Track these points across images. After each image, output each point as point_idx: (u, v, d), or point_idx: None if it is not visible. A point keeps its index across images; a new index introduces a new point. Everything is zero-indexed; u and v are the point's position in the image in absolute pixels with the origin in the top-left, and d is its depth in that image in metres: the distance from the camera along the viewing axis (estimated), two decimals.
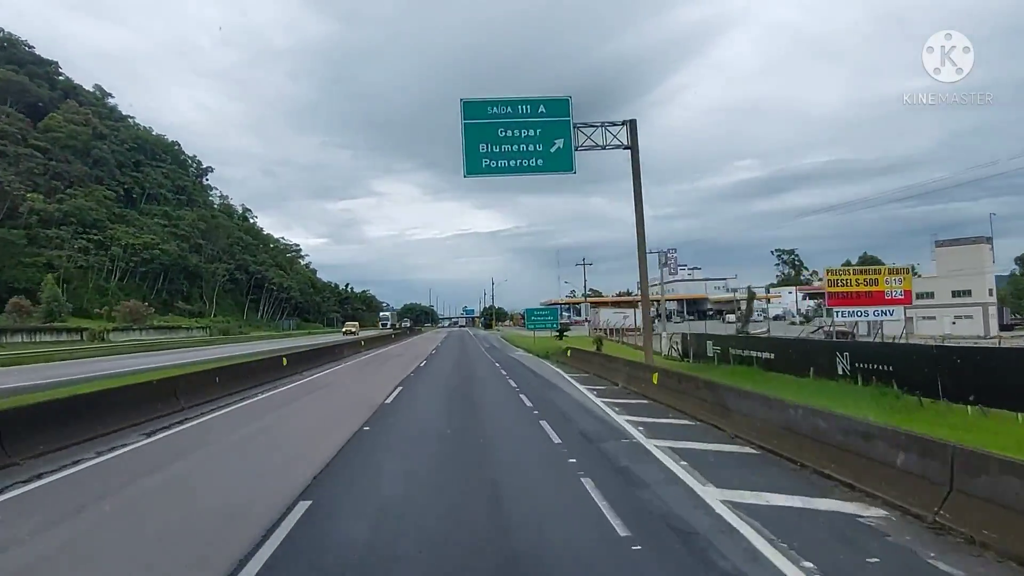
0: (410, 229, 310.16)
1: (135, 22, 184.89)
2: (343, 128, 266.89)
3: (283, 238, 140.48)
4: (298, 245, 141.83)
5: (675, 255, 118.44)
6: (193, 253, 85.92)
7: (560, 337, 42.67)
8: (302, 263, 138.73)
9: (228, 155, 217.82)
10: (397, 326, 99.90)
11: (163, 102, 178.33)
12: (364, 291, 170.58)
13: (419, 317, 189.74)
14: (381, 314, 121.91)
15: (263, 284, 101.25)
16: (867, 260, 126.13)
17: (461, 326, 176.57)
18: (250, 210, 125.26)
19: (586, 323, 74.41)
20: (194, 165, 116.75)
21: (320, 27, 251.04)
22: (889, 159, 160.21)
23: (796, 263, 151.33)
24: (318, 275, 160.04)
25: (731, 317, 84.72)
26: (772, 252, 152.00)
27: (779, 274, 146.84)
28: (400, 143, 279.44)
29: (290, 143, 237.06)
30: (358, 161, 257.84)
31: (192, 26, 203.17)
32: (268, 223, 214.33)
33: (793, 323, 75.18)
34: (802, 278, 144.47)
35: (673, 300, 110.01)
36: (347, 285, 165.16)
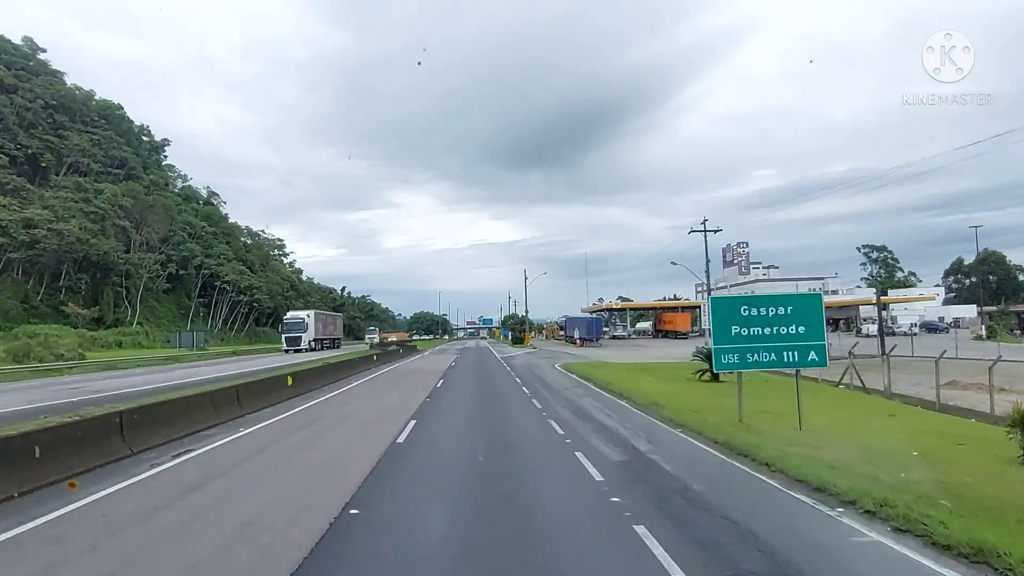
0: (426, 239, 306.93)
1: (154, 35, 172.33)
2: (360, 139, 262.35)
3: (264, 231, 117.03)
4: (282, 240, 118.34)
5: (745, 250, 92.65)
6: (111, 239, 61.71)
7: (709, 372, 17.68)
8: (285, 261, 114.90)
9: (244, 166, 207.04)
10: (385, 341, 73.05)
11: (181, 113, 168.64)
12: (364, 297, 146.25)
13: (430, 327, 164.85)
14: (369, 329, 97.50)
15: (227, 284, 76.86)
16: (988, 258, 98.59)
17: (482, 337, 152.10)
18: (216, 194, 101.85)
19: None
20: (146, 137, 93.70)
21: (337, 38, 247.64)
22: (912, 168, 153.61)
23: (889, 262, 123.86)
24: (319, 282, 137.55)
25: (870, 328, 58.33)
26: (859, 249, 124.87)
27: (866, 276, 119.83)
28: (416, 154, 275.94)
29: (307, 154, 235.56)
30: (375, 171, 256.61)
31: (210, 38, 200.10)
32: (285, 233, 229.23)
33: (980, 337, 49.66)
34: (896, 279, 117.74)
35: None
36: (343, 289, 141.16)
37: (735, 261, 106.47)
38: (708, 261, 43.56)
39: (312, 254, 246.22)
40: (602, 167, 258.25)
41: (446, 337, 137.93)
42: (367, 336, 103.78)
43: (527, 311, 58.86)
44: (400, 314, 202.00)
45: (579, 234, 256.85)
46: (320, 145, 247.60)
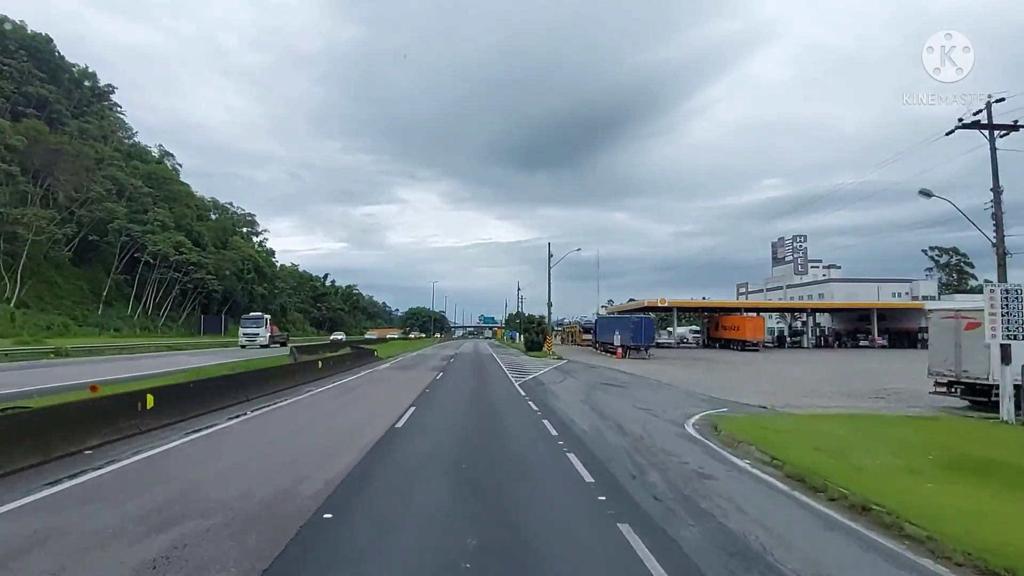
0: (430, 236, 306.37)
1: (166, 23, 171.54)
2: (367, 133, 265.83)
3: (232, 204, 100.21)
4: (253, 215, 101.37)
5: (803, 245, 77.03)
6: None
7: None
8: (255, 241, 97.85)
9: (252, 157, 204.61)
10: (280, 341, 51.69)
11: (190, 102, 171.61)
12: (350, 287, 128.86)
13: (426, 325, 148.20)
14: (334, 336, 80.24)
15: (153, 257, 59.87)
16: None
17: (486, 337, 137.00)
18: (171, 154, 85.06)
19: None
20: (88, 82, 77.14)
21: (347, 31, 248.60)
22: (922, 182, 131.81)
23: (962, 267, 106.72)
24: (301, 269, 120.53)
25: None
26: (925, 252, 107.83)
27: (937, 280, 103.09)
28: (423, 150, 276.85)
29: (314, 147, 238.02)
30: (381, 166, 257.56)
31: (220, 28, 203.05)
32: (287, 226, 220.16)
33: None
34: (970, 286, 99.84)
35: (825, 309, 66.01)
36: (326, 277, 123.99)
37: (788, 258, 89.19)
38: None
39: (315, 246, 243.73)
40: (610, 170, 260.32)
41: (437, 336, 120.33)
42: (333, 336, 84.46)
43: (550, 306, 41.23)
44: (397, 310, 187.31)
45: (585, 237, 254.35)
46: (327, 137, 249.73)
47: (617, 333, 41.60)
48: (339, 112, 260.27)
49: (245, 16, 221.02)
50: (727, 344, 53.90)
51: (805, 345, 59.76)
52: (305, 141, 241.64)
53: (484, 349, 54.95)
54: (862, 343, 59.15)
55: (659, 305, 53.44)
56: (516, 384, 21.72)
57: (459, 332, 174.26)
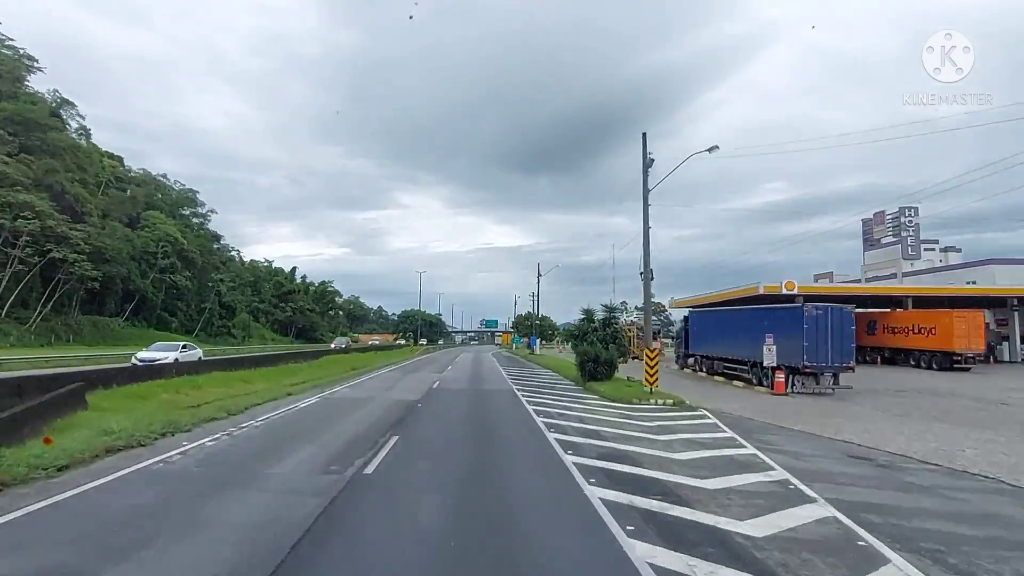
0: (432, 242, 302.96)
1: (164, 28, 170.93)
2: (368, 138, 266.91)
3: (167, 176, 78.31)
4: (195, 191, 79.37)
5: (914, 220, 57.21)
6: None
7: None
8: (196, 224, 76.09)
9: (253, 162, 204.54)
10: None
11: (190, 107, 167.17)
12: (323, 284, 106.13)
13: (420, 330, 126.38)
14: (336, 342, 60.59)
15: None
16: None
17: (496, 344, 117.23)
18: (72, 103, 63.34)
19: None
20: None
21: (347, 36, 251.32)
22: (921, 184, 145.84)
23: None
24: (265, 264, 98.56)
25: None
26: None
27: None
28: (424, 155, 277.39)
29: (314, 152, 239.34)
30: (383, 170, 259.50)
31: (220, 34, 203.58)
32: (289, 232, 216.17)
33: None
34: None
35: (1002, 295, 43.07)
36: (293, 271, 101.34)
37: (888, 239, 67.32)
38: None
39: (317, 252, 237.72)
40: (610, 174, 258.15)
41: (423, 342, 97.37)
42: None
43: (649, 269, 19.59)
44: (393, 314, 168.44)
45: (586, 241, 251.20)
46: (328, 143, 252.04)
47: (770, 338, 19.87)
48: (340, 117, 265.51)
49: (245, 22, 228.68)
50: (902, 357, 32.15)
51: (1009, 357, 37.57)
52: (306, 146, 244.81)
53: (491, 371, 30.50)
54: None
55: (784, 292, 31.28)
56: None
57: (459, 338, 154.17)
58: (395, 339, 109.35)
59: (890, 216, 68.64)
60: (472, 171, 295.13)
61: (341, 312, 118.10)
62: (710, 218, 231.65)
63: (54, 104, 61.95)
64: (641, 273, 17.39)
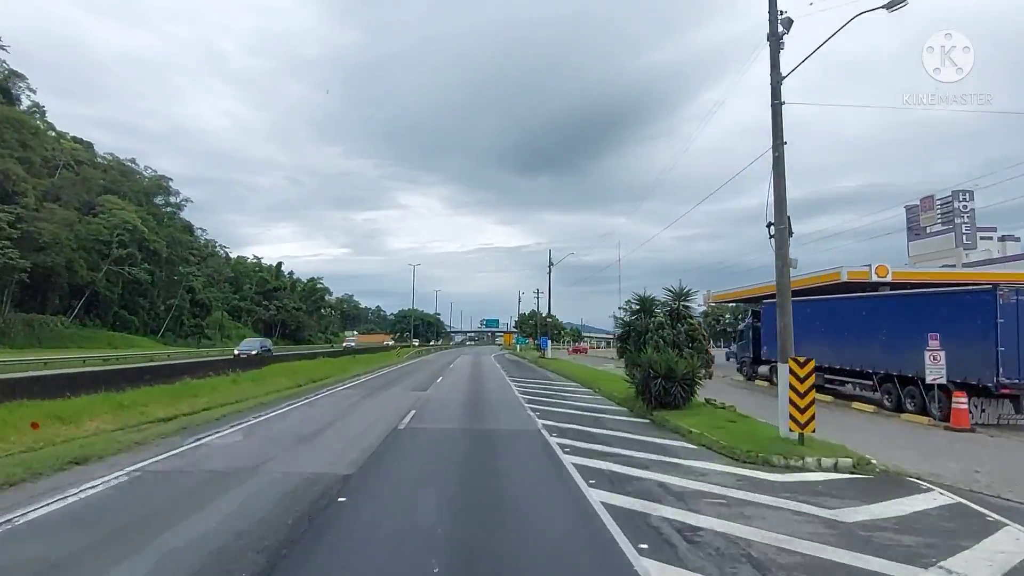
0: (432, 242, 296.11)
1: (163, 28, 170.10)
2: (368, 138, 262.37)
3: (136, 161, 71.14)
4: (169, 178, 72.14)
5: (968, 206, 50.13)
6: None
7: None
8: (168, 215, 68.90)
9: (252, 163, 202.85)
10: None
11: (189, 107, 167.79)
12: (312, 280, 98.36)
13: (414, 330, 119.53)
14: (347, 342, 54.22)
15: None
16: None
17: (496, 344, 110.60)
18: (23, 75, 56.32)
19: None
20: None
21: (346, 36, 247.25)
22: (924, 183, 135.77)
23: None
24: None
25: None
26: None
27: None
28: (424, 156, 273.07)
29: (314, 152, 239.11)
30: (383, 171, 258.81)
31: (219, 34, 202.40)
32: (288, 232, 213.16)
33: None
34: None
35: None
36: (279, 266, 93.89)
37: (937, 228, 60.13)
38: None
39: (317, 252, 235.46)
40: (612, 174, 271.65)
41: (414, 343, 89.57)
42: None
43: (788, 217, 13.21)
44: (391, 314, 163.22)
45: (586, 242, 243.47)
46: (328, 143, 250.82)
47: (935, 340, 12.77)
48: (339, 117, 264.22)
49: (244, 22, 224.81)
50: None
51: None
52: (305, 147, 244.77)
53: (498, 386, 21.27)
54: None
55: (875, 279, 23.92)
56: None
57: (457, 338, 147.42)
58: (388, 339, 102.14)
59: (940, 202, 61.42)
60: (472, 171, 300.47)
61: (332, 311, 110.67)
62: (710, 218, 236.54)
63: (4, 76, 55.28)
64: (770, 225, 10.01)
